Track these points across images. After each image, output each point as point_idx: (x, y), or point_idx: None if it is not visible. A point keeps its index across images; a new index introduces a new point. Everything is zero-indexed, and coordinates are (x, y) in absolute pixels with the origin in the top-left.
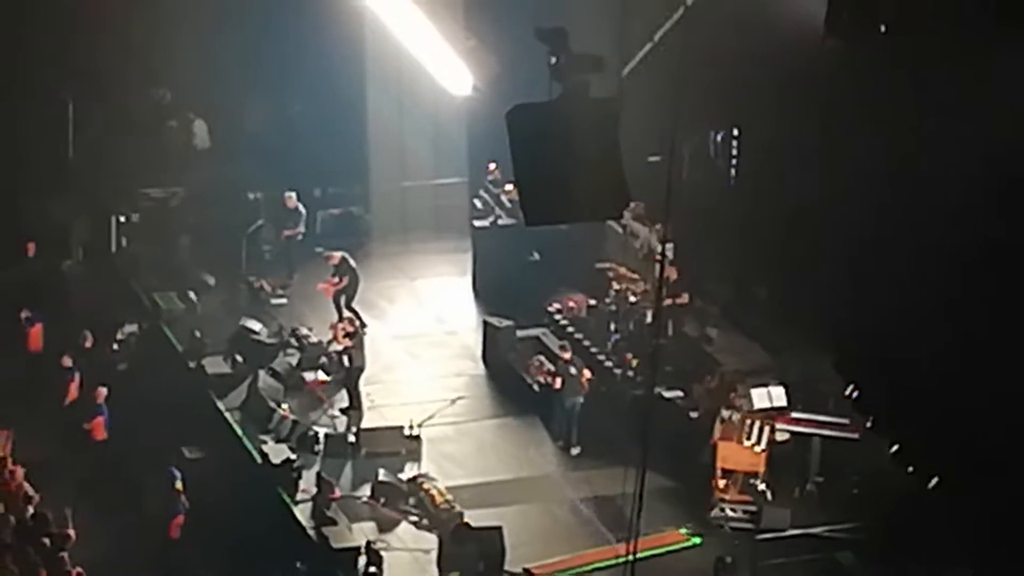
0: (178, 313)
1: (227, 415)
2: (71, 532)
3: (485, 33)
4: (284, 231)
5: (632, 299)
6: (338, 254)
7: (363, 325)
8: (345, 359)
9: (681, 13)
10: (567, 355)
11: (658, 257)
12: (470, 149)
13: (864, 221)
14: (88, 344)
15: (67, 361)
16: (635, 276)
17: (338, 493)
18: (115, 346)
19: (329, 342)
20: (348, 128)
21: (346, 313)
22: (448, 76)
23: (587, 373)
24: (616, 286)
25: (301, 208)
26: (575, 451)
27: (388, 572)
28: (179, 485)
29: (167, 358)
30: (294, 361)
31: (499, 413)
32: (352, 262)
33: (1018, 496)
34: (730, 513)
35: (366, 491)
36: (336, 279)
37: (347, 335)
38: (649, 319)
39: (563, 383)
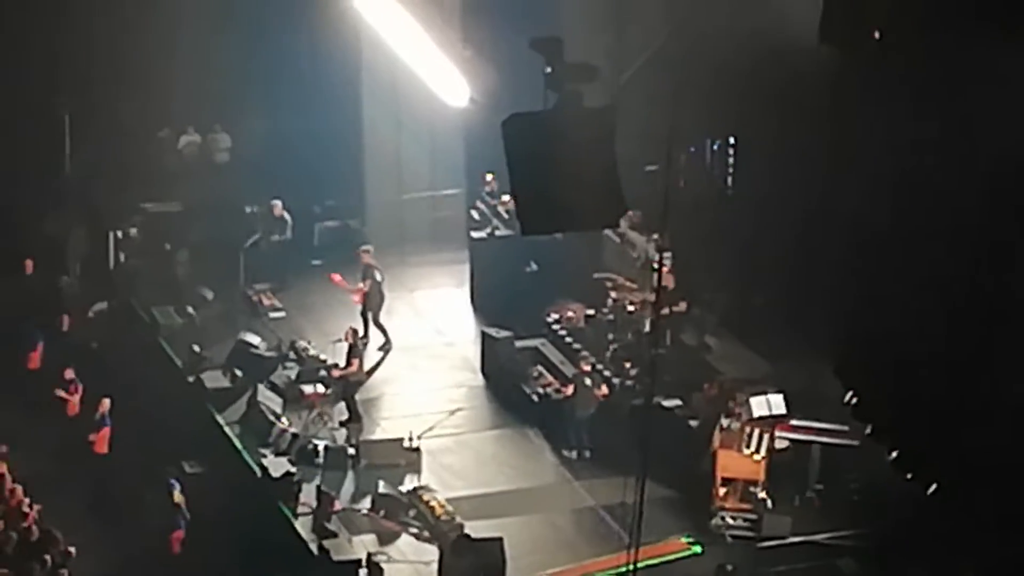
0: (176, 328)
1: (226, 429)
2: (72, 549)
3: (482, 44)
4: (271, 238)
5: (630, 308)
6: (371, 258)
7: (388, 341)
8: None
9: (677, 22)
10: (586, 366)
11: (655, 266)
12: (467, 160)
13: (861, 227)
14: (65, 328)
15: (69, 374)
16: (633, 285)
17: (338, 506)
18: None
19: (354, 348)
20: (345, 141)
21: (371, 328)
22: (445, 87)
23: (604, 388)
24: (614, 295)
25: (287, 216)
26: (587, 454)
27: None
28: (178, 497)
29: (165, 372)
30: (293, 374)
31: (498, 424)
32: (379, 275)
33: (1019, 502)
34: (730, 521)
35: (366, 503)
36: (362, 283)
37: (349, 347)
38: (647, 328)
39: (575, 392)
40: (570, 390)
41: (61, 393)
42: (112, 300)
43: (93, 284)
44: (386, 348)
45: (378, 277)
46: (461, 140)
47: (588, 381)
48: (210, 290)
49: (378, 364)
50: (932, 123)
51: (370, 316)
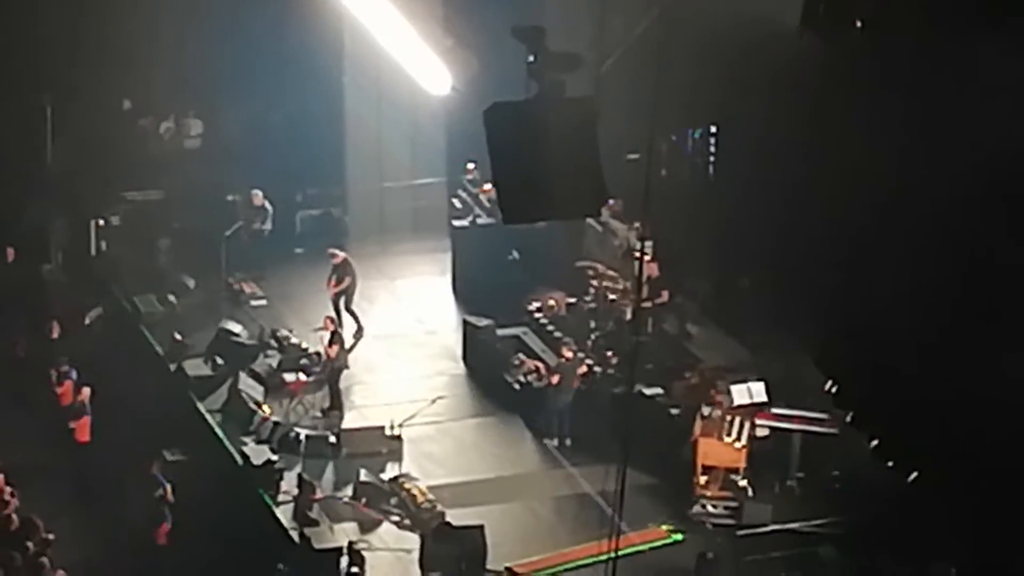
0: (158, 316)
1: (208, 417)
2: (50, 536)
3: (464, 33)
4: (252, 227)
5: (612, 297)
6: (342, 255)
7: (360, 328)
8: (326, 358)
9: (659, 11)
10: (569, 353)
11: (637, 255)
12: (449, 149)
13: (843, 216)
14: (55, 335)
15: (62, 365)
16: (614, 274)
17: (320, 494)
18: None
19: (335, 335)
20: (327, 129)
21: (345, 316)
22: (427, 76)
23: (584, 368)
24: (595, 284)
25: (267, 205)
26: (568, 442)
27: (370, 572)
28: (164, 493)
29: (147, 360)
30: (274, 363)
31: (480, 412)
32: (353, 265)
33: (999, 490)
34: (711, 509)
35: (348, 492)
36: (334, 281)
37: (330, 335)
38: (629, 316)
39: (560, 380)
40: (556, 379)
41: (72, 424)
42: (105, 304)
43: (75, 274)
44: (358, 335)
45: (353, 267)
46: (443, 129)
47: (570, 369)
48: (192, 278)
49: (351, 348)
50: (916, 114)
51: (342, 304)
